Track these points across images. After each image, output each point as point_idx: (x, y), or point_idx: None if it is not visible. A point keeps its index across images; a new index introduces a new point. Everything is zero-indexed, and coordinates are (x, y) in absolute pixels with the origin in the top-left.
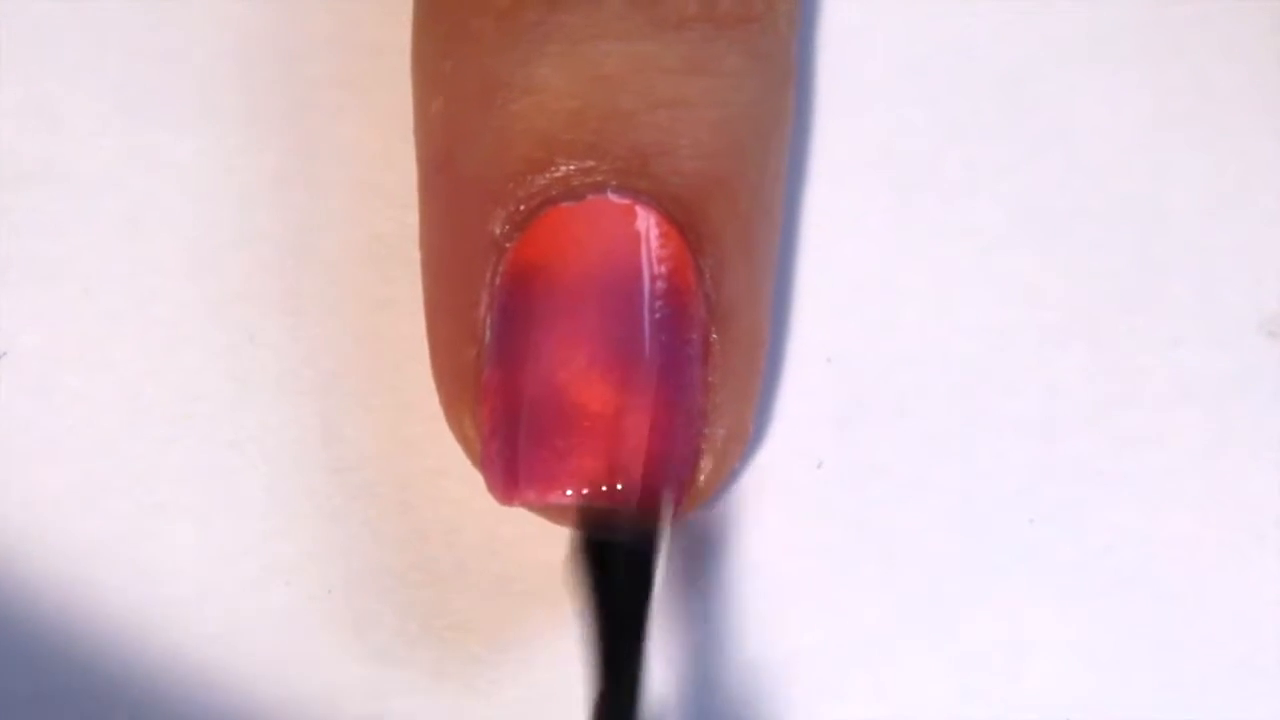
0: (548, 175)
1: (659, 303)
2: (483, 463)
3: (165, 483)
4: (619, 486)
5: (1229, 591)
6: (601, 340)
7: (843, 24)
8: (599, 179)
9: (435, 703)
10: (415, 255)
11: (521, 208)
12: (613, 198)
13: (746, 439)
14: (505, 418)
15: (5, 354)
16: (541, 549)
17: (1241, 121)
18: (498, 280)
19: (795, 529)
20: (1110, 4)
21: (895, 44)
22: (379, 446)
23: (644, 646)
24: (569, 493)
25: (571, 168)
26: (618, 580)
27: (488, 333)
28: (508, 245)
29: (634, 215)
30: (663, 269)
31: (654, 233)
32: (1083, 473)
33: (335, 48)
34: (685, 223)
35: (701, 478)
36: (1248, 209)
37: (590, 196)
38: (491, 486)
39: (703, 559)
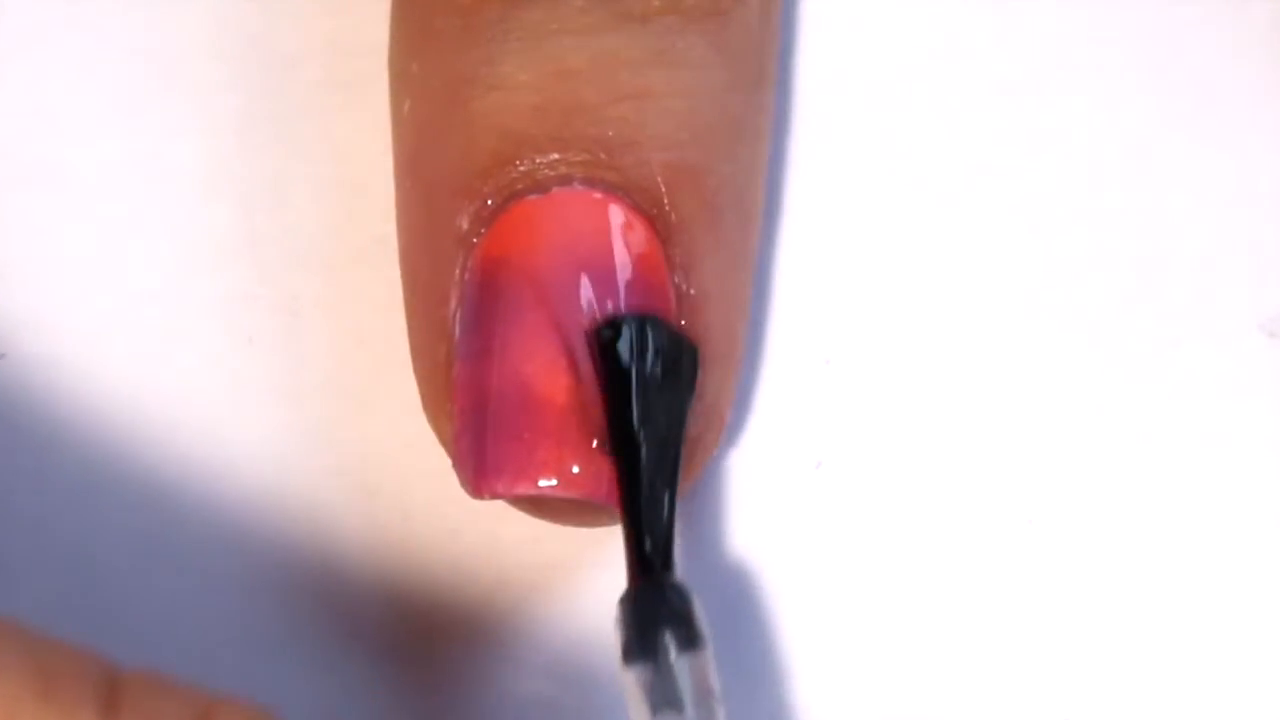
0: (513, 170)
1: (626, 294)
2: (453, 457)
3: (164, 483)
4: (587, 477)
5: (1229, 591)
6: (567, 332)
7: (843, 25)
8: (564, 172)
9: (434, 702)
10: None
11: (489, 203)
12: (578, 190)
13: (720, 429)
14: (473, 412)
15: (5, 354)
16: (542, 549)
17: (1241, 121)
18: (466, 276)
19: (795, 529)
20: (1110, 4)
21: (895, 44)
22: (378, 448)
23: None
24: (540, 484)
25: (537, 161)
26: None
27: (456, 329)
28: (475, 241)
29: (600, 207)
30: (630, 260)
31: (621, 224)
32: (1083, 473)
33: (334, 50)
34: (653, 213)
35: None
36: (1248, 209)
37: (556, 190)
38: (462, 480)
39: (701, 559)
